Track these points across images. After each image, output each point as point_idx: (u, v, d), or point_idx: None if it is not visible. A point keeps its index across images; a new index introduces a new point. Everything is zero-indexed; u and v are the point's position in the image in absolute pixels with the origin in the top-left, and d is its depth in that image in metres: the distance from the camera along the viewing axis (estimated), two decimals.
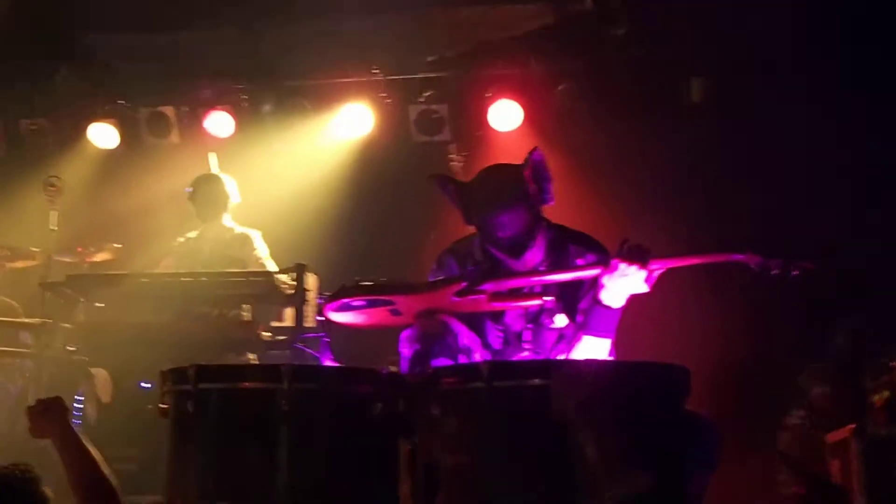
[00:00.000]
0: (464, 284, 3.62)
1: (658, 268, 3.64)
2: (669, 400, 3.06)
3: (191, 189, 6.66)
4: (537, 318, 3.78)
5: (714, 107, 7.04)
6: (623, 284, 3.62)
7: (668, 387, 3.08)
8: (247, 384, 3.16)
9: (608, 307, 3.65)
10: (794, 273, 3.64)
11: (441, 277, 3.79)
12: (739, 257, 3.69)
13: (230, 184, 6.68)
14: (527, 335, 3.77)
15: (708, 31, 6.84)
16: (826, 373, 5.61)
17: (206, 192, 6.63)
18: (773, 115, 6.69)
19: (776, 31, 6.59)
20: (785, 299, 6.06)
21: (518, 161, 3.84)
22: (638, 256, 3.59)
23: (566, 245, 3.81)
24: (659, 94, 7.08)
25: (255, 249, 6.51)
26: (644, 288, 3.64)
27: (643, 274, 3.59)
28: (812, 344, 6.07)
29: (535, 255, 3.78)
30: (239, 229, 6.62)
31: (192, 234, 6.68)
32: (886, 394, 4.75)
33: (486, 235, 3.78)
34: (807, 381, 5.69)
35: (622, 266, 3.58)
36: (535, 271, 3.75)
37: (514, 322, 3.80)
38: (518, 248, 3.74)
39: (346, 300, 3.61)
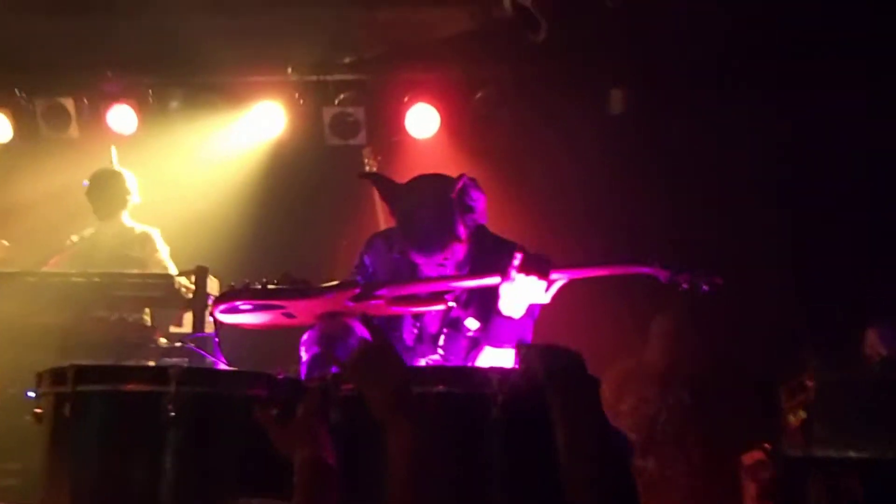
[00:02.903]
0: (357, 290, 3.51)
1: (560, 278, 3.54)
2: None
3: (88, 183, 6.42)
4: (456, 323, 3.71)
5: (635, 118, 7.03)
6: (520, 295, 3.53)
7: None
8: (131, 387, 2.98)
9: (507, 317, 3.56)
10: (704, 288, 3.58)
11: (345, 280, 3.68)
12: (647, 270, 3.63)
13: (131, 180, 6.47)
14: (443, 339, 3.69)
15: (631, 40, 6.82)
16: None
17: (105, 187, 6.42)
18: (694, 127, 6.69)
19: (700, 43, 6.59)
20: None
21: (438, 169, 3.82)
22: (535, 267, 3.50)
23: (490, 254, 3.72)
24: (579, 103, 7.05)
25: (156, 251, 6.34)
26: (545, 299, 3.55)
27: (542, 284, 3.50)
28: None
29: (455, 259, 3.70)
30: (139, 228, 6.44)
31: (88, 232, 6.43)
32: (803, 414, 4.72)
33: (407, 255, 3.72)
34: None
35: (519, 277, 3.49)
36: (435, 278, 3.66)
37: (432, 323, 3.74)
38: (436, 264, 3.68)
39: (233, 302, 3.46)
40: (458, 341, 3.69)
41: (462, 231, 3.65)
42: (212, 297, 5.42)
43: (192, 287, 5.48)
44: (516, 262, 3.49)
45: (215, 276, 5.81)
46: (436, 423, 2.85)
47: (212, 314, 3.62)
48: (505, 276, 3.52)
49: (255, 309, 3.50)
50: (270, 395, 2.96)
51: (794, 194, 6.56)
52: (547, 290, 3.54)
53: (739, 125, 6.50)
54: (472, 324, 3.67)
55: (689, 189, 6.75)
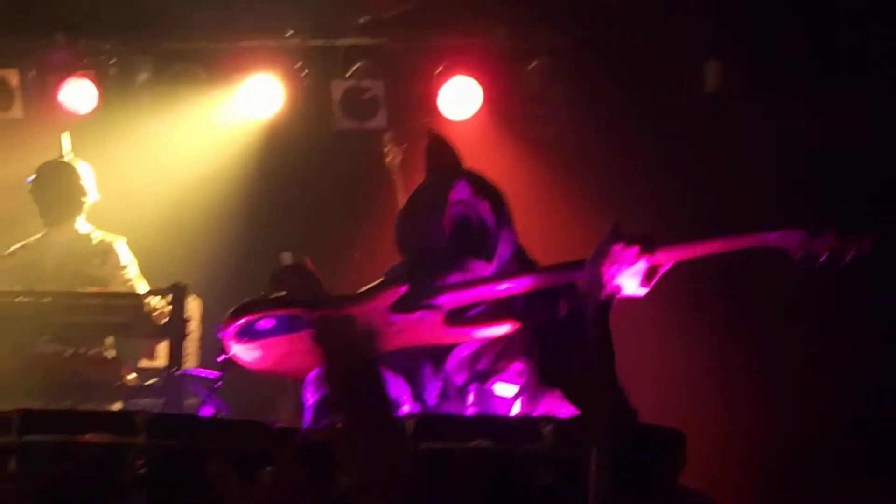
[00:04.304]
0: (404, 288, 3.53)
1: (664, 259, 3.51)
2: (656, 474, 3.02)
3: (33, 178, 6.51)
4: (485, 377, 3.70)
5: (734, 99, 7.06)
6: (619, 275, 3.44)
7: (655, 456, 3.05)
8: (90, 437, 3.08)
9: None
10: (850, 256, 3.56)
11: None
12: (773, 237, 3.60)
13: (88, 175, 6.55)
14: (472, 396, 3.70)
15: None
16: None
17: (54, 184, 6.48)
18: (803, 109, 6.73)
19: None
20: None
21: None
22: (637, 239, 3.43)
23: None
24: (661, 79, 7.09)
25: (121, 266, 6.40)
26: (641, 290, 3.50)
27: (641, 266, 3.46)
28: None
29: None
30: (99, 236, 6.50)
31: (33, 240, 6.50)
32: None
33: None
34: None
35: (616, 250, 3.39)
36: (502, 274, 3.65)
37: (457, 373, 3.74)
38: None
39: (249, 317, 3.53)
40: (489, 399, 3.68)
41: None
42: (200, 325, 5.51)
43: (167, 310, 5.55)
44: (610, 231, 3.45)
45: (197, 296, 5.90)
46: (469, 486, 2.92)
47: (222, 338, 3.67)
48: (599, 252, 3.41)
49: (278, 330, 3.55)
50: (263, 450, 3.02)
51: None
52: (646, 276, 3.49)
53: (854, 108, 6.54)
54: (503, 390, 3.67)
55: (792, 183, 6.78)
